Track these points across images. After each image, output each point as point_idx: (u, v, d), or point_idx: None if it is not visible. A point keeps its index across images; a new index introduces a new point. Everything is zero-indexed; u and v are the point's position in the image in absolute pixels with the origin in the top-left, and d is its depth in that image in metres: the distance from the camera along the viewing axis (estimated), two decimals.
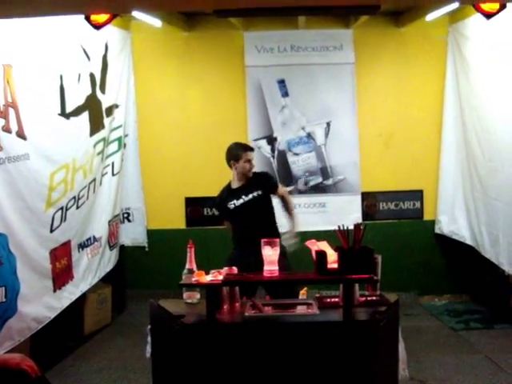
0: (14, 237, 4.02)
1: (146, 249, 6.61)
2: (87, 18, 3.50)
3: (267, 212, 4.71)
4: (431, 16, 5.80)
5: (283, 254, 3.74)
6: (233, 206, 4.66)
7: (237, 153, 4.67)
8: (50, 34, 4.38)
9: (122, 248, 6.43)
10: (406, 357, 3.32)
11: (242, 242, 4.63)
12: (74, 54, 4.94)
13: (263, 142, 6.58)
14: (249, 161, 4.66)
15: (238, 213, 4.66)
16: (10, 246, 3.98)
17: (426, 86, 6.65)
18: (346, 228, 3.19)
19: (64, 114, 4.74)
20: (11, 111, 3.97)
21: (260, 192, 4.65)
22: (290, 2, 3.24)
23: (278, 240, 3.20)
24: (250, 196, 4.63)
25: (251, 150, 4.77)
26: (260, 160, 6.57)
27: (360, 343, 3.08)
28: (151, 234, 6.63)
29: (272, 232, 4.49)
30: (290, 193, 6.53)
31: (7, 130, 3.93)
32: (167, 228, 6.70)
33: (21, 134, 4.08)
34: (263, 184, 4.71)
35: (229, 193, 4.74)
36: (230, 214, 4.72)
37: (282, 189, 4.91)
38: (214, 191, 6.61)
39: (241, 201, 4.65)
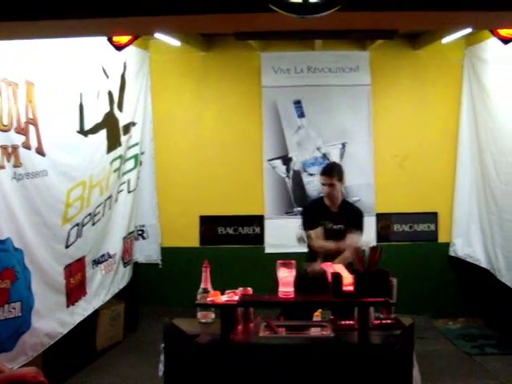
0: (29, 252, 4.06)
1: (160, 266, 6.60)
2: (109, 39, 3.57)
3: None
4: (447, 39, 5.82)
5: None
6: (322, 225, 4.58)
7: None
8: (70, 52, 4.45)
9: (136, 265, 6.44)
10: (420, 381, 3.29)
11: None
12: (94, 73, 5.01)
13: (278, 162, 6.60)
14: (323, 184, 4.60)
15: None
16: (25, 261, 4.01)
17: (442, 109, 6.65)
18: (362, 250, 3.19)
19: (82, 131, 4.79)
20: (31, 128, 4.03)
21: (343, 227, 4.56)
22: (309, 26, 3.27)
23: (293, 262, 3.20)
24: (337, 227, 4.57)
25: (324, 173, 4.63)
26: (275, 180, 6.61)
27: (374, 367, 3.06)
28: (165, 251, 6.63)
29: None
30: None
31: (27, 146, 3.98)
32: (181, 246, 6.71)
33: (40, 151, 4.13)
34: (349, 218, 4.60)
35: (323, 210, 4.65)
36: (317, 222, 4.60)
37: (355, 239, 4.44)
38: (228, 210, 6.72)
39: (330, 225, 4.58)
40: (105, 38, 3.74)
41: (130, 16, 2.69)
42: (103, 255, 5.42)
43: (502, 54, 5.27)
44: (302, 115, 6.55)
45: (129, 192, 5.96)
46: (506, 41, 3.80)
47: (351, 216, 4.65)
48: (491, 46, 5.56)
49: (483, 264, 6.12)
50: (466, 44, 6.35)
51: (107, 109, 5.30)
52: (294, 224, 6.55)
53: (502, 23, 3.49)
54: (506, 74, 5.37)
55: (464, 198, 6.47)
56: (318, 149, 6.57)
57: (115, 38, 3.54)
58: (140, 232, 6.50)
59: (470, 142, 6.35)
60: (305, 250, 4.79)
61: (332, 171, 4.63)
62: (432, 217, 6.75)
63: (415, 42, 6.53)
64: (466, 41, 6.31)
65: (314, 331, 3.39)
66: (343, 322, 3.39)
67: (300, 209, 6.54)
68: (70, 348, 4.87)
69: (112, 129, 5.40)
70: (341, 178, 4.60)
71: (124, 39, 3.54)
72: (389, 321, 3.37)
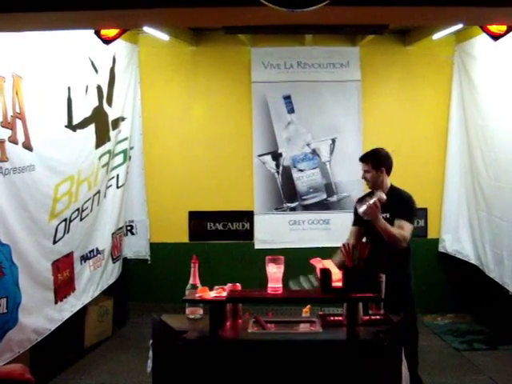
0: (17, 247, 4.02)
1: (149, 262, 6.58)
2: (97, 33, 3.53)
3: None
4: (438, 35, 5.82)
5: None
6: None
7: None
8: (58, 45, 4.41)
9: (125, 261, 6.41)
10: (408, 377, 3.29)
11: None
12: (82, 67, 4.97)
13: (268, 158, 6.58)
14: (363, 171, 4.31)
15: (367, 225, 4.19)
16: (12, 256, 3.97)
17: (432, 105, 6.65)
18: (350, 246, 3.19)
19: (71, 125, 4.75)
20: (18, 122, 3.98)
21: (388, 215, 4.12)
22: (298, 20, 3.25)
23: (282, 258, 3.18)
24: (383, 215, 4.08)
25: (359, 160, 4.35)
26: (265, 176, 6.59)
27: (363, 362, 3.06)
28: (154, 247, 6.61)
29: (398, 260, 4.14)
30: (294, 209, 6.58)
31: (14, 140, 3.94)
32: (170, 241, 6.67)
33: (27, 145, 4.09)
34: (395, 207, 4.14)
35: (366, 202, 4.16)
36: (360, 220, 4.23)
37: (401, 228, 4.06)
38: (217, 206, 6.69)
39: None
40: (93, 32, 3.70)
41: (118, 9, 2.66)
42: (92, 251, 5.38)
43: (491, 50, 5.29)
44: (291, 111, 6.52)
45: (117, 187, 5.92)
46: (495, 37, 3.80)
47: (395, 203, 4.15)
48: (481, 42, 5.56)
49: (472, 260, 6.15)
50: (456, 41, 6.35)
51: (96, 103, 5.26)
52: (284, 220, 6.59)
53: (493, 19, 3.49)
54: (495, 70, 5.39)
55: (453, 194, 6.49)
56: (308, 144, 6.54)
57: (103, 32, 3.50)
58: (129, 227, 6.48)
59: (459, 138, 6.36)
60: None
61: (365, 157, 4.35)
62: (421, 213, 6.73)
63: (405, 38, 6.53)
64: (456, 37, 6.31)
65: (303, 327, 3.38)
66: (332, 318, 3.39)
67: (289, 205, 6.58)
68: (57, 344, 4.83)
69: (101, 123, 5.36)
70: (376, 165, 4.26)
71: (112, 32, 3.49)
72: (378, 317, 3.38)
